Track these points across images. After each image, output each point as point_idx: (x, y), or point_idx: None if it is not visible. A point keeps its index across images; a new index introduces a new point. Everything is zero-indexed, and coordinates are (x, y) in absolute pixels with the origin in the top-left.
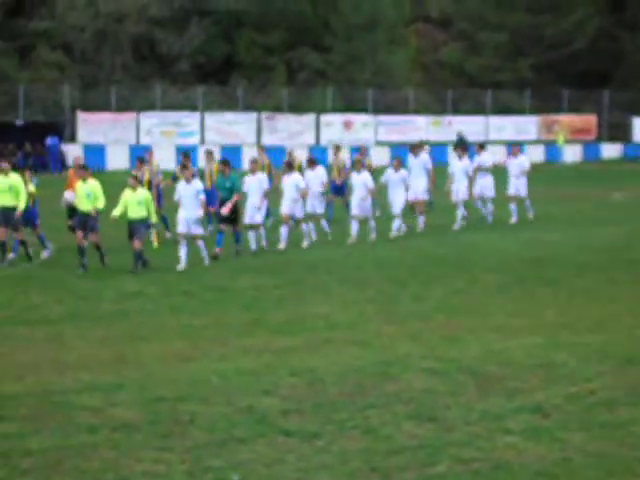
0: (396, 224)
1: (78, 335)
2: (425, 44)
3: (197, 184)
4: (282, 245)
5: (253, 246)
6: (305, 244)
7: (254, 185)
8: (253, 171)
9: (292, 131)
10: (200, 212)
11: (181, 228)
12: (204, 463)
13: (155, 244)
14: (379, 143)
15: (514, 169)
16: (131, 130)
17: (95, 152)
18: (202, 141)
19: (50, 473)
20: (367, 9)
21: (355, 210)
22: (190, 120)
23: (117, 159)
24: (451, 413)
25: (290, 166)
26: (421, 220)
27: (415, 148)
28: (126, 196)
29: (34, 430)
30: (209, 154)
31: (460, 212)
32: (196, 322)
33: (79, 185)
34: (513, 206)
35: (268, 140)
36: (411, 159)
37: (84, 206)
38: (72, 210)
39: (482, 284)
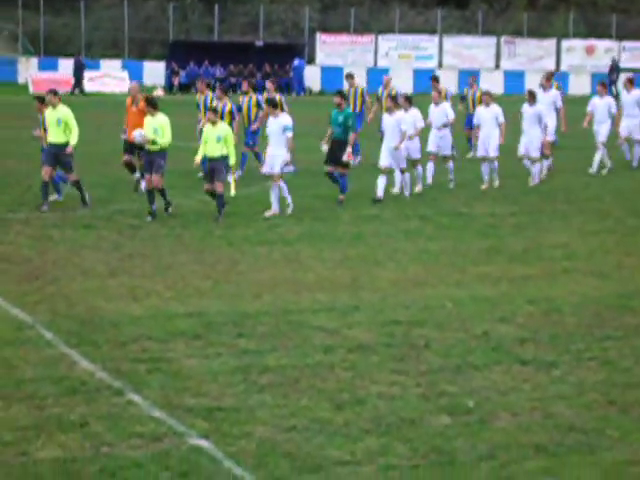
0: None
1: (315, 256)
2: None
3: (285, 119)
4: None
5: (379, 193)
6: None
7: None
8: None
9: (532, 56)
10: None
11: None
12: (439, 388)
13: (233, 191)
14: (623, 69)
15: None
16: (369, 53)
17: (333, 74)
18: (440, 65)
19: (287, 390)
20: None
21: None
22: (428, 44)
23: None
24: None
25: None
26: (545, 164)
27: (547, 80)
28: (205, 133)
29: (272, 348)
30: (350, 77)
31: (599, 155)
32: (432, 247)
33: (147, 120)
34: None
35: (507, 65)
36: (540, 93)
37: (151, 143)
38: (128, 144)
39: None
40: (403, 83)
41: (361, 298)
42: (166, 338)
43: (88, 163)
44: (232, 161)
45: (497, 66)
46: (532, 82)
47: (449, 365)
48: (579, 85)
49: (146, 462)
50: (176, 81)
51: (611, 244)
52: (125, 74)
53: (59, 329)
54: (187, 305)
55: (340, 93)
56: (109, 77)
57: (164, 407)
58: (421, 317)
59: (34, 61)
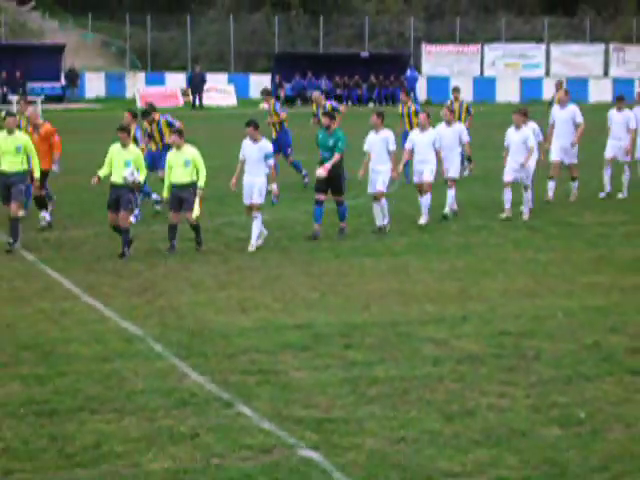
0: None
1: (423, 267)
2: None
3: (264, 144)
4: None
5: (378, 222)
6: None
7: (378, 144)
8: (377, 128)
9: None
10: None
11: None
12: (549, 399)
13: (195, 212)
14: None
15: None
16: (475, 62)
17: (439, 84)
18: (547, 73)
19: (396, 402)
20: None
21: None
22: (535, 52)
23: (461, 92)
24: None
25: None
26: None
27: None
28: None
29: (380, 359)
30: (456, 91)
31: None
32: (541, 257)
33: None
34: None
35: (617, 72)
36: (556, 110)
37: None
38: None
39: None
40: (510, 92)
41: (470, 309)
42: (275, 350)
43: None
44: (201, 183)
45: (606, 73)
46: None
47: (560, 376)
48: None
49: (256, 474)
50: (282, 94)
51: None
52: (231, 88)
53: (169, 341)
54: (295, 317)
55: (328, 114)
56: (215, 91)
57: (273, 419)
58: (531, 328)
59: (141, 76)
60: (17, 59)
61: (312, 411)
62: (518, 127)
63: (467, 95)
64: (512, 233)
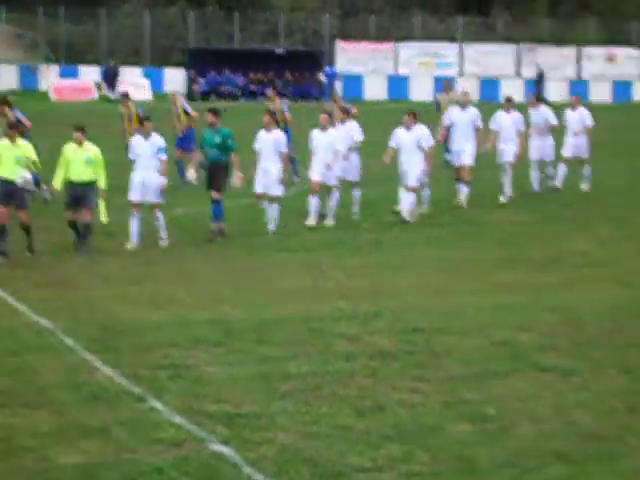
0: (408, 199)
1: (335, 263)
2: None
3: (156, 139)
4: (311, 221)
5: (271, 226)
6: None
7: (268, 144)
8: (268, 127)
9: (552, 64)
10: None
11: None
12: (459, 395)
13: (104, 218)
14: None
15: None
16: (390, 60)
17: (353, 82)
18: (461, 72)
19: (309, 397)
20: None
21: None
22: (449, 51)
23: (375, 89)
24: None
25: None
26: (464, 191)
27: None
28: (68, 153)
29: (293, 355)
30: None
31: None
32: (452, 255)
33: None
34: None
35: (528, 72)
36: (456, 112)
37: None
38: None
39: None
40: (424, 91)
41: (381, 305)
42: (187, 345)
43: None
44: (102, 184)
45: (518, 74)
46: (553, 89)
47: (469, 372)
48: (599, 93)
49: (167, 468)
50: (196, 89)
51: (631, 251)
52: (146, 81)
53: (80, 335)
54: (208, 312)
55: (213, 110)
56: (130, 84)
57: (185, 413)
58: (442, 324)
59: (55, 68)
60: None
61: (223, 406)
62: (409, 128)
63: (382, 93)
64: (424, 231)
